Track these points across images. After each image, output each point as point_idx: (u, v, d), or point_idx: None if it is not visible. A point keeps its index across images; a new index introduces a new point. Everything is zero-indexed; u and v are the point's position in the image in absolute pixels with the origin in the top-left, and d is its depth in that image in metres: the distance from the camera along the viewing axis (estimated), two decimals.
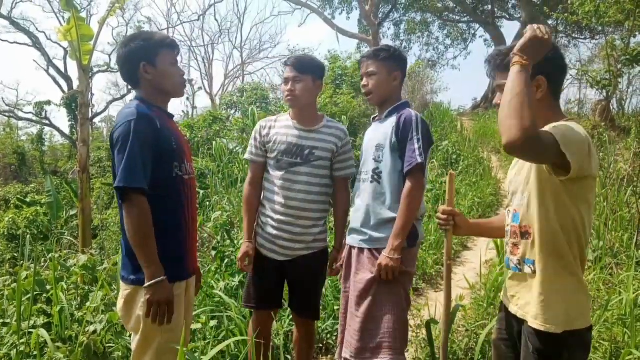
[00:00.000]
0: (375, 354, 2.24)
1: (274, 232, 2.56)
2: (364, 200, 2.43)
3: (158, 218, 1.94)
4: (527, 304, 1.79)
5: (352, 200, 2.56)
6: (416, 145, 2.28)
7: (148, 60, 2.05)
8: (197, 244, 1.86)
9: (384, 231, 2.32)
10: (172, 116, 2.24)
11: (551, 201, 1.72)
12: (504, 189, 2.24)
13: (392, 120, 2.40)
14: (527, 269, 1.79)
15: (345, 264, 2.54)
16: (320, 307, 3.73)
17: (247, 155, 2.73)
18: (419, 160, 2.25)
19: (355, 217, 2.48)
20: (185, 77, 2.22)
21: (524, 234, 1.80)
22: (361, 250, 2.40)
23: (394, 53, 2.47)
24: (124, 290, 2.03)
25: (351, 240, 2.50)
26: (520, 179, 1.86)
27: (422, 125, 2.33)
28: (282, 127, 2.62)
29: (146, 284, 1.88)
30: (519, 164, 1.94)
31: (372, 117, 2.63)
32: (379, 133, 2.46)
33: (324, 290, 3.92)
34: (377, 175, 2.39)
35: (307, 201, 2.54)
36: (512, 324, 1.92)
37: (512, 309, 1.88)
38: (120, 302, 2.05)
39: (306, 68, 2.56)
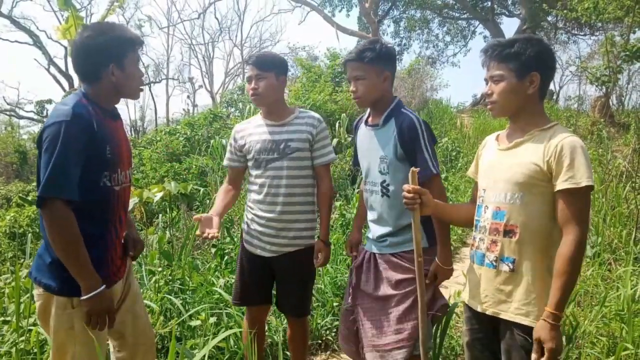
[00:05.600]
0: (404, 347, 2.25)
1: (260, 228, 2.57)
2: (378, 211, 2.37)
3: (79, 227, 1.78)
4: (504, 301, 1.81)
5: (366, 207, 2.50)
6: (427, 155, 2.18)
7: (118, 62, 1.87)
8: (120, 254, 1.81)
9: (403, 234, 2.28)
10: (117, 117, 2.04)
11: (551, 204, 1.73)
12: (468, 175, 2.17)
13: (392, 127, 2.28)
14: (505, 267, 1.80)
15: (365, 268, 2.44)
16: (319, 304, 3.78)
17: (225, 162, 2.75)
18: (434, 171, 2.19)
19: (372, 226, 2.44)
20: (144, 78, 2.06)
21: (508, 232, 1.79)
22: (382, 255, 2.36)
23: (381, 52, 2.25)
24: (37, 294, 1.87)
25: (374, 246, 2.42)
26: (500, 177, 1.84)
27: (426, 129, 2.23)
28: (254, 128, 2.63)
29: (84, 297, 1.75)
30: (494, 160, 1.91)
31: (365, 119, 2.49)
32: (380, 142, 2.33)
33: (322, 286, 3.94)
34: (385, 189, 2.31)
35: (290, 194, 2.53)
36: (483, 322, 1.92)
37: (480, 307, 1.88)
38: (37, 305, 1.89)
39: (268, 65, 2.53)
